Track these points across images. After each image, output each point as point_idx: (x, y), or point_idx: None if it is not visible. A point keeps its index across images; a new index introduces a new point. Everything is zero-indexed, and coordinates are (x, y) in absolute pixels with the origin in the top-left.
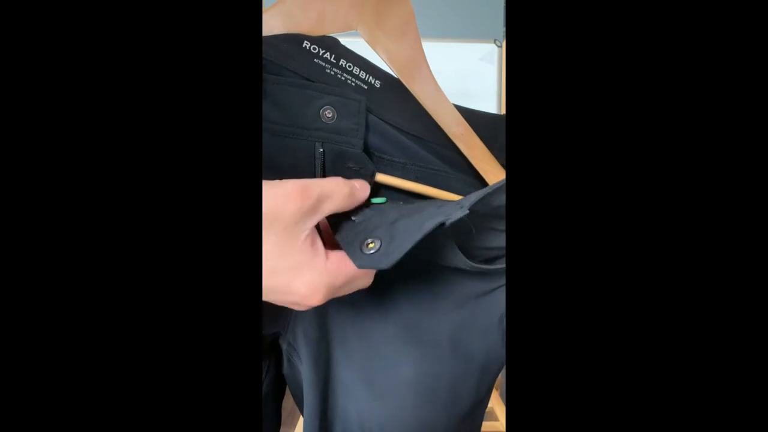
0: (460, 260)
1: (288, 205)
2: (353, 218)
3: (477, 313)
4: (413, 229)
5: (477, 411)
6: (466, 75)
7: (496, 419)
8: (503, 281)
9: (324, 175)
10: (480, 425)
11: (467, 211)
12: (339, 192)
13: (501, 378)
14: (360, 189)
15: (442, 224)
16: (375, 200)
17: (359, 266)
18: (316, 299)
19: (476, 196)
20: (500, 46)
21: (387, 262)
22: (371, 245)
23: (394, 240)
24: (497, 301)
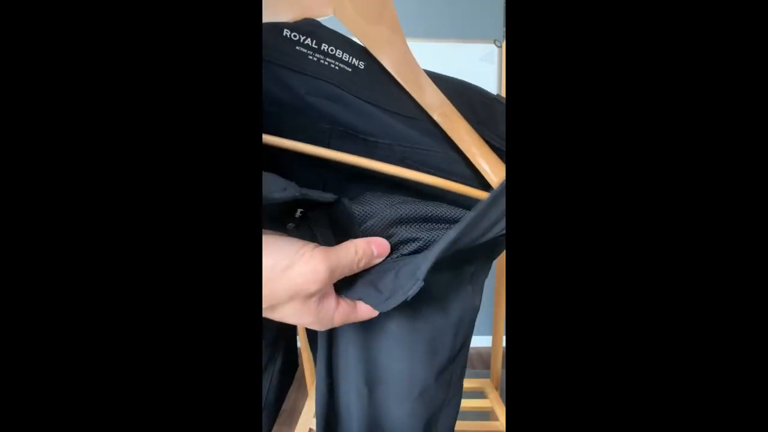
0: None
1: (315, 285)
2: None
3: (453, 271)
4: (376, 303)
5: (453, 365)
6: (466, 75)
7: (496, 419)
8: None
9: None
10: (457, 392)
11: (422, 283)
12: (355, 266)
13: (501, 378)
14: (378, 254)
15: (405, 299)
16: None
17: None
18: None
19: (428, 262)
20: (500, 46)
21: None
22: None
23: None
24: (471, 261)
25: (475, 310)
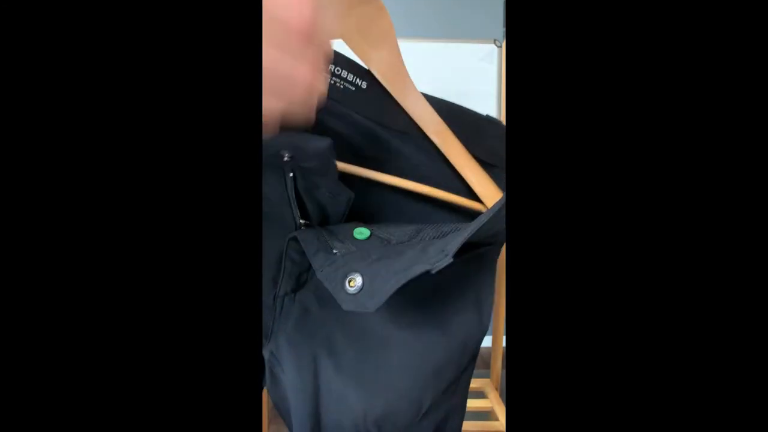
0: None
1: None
2: (335, 251)
3: (453, 294)
4: (396, 270)
5: (459, 382)
6: (466, 75)
7: (496, 419)
8: (475, 267)
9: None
10: (463, 396)
11: (451, 260)
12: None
13: (501, 378)
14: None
15: (428, 272)
16: (357, 232)
17: (346, 308)
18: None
19: (459, 240)
20: (500, 46)
21: (373, 304)
22: (353, 283)
23: (375, 279)
24: (472, 285)
25: (483, 332)
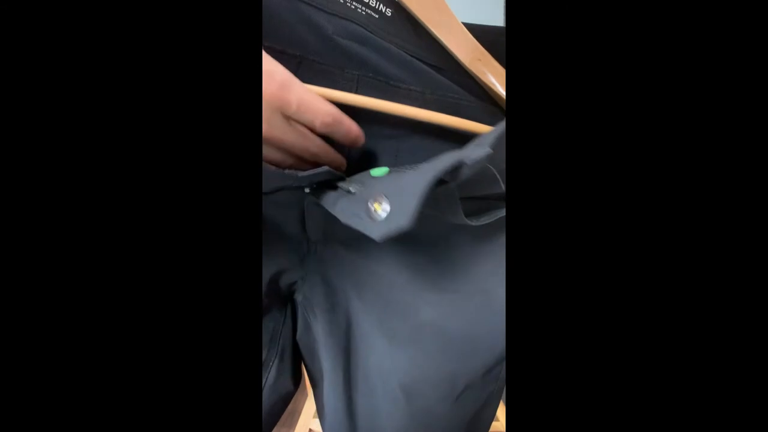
0: (461, 219)
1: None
2: (352, 190)
3: (499, 261)
4: (424, 172)
5: (500, 368)
6: None
7: (496, 419)
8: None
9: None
10: (501, 388)
11: (489, 150)
12: (317, 113)
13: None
14: (350, 126)
15: (460, 165)
16: (375, 172)
17: (380, 238)
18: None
19: (495, 133)
20: None
21: (406, 220)
22: (378, 208)
23: (403, 192)
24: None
25: None
